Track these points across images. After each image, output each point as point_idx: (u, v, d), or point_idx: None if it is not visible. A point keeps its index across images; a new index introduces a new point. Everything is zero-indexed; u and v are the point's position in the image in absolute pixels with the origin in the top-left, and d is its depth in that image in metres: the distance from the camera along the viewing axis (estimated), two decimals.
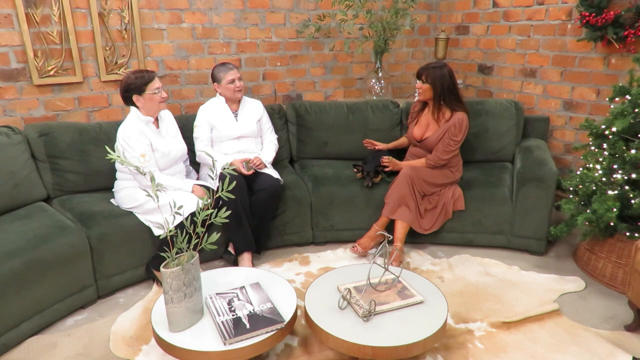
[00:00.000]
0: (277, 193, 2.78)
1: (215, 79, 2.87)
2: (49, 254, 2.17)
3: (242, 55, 3.54)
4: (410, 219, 2.77)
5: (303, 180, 3.10)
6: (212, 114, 2.88)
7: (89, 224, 2.41)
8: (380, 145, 3.08)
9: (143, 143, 2.49)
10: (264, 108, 3.09)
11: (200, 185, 2.65)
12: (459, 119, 2.74)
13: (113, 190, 2.67)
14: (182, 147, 2.73)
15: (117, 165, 2.62)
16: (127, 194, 2.57)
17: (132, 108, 2.54)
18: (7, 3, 2.69)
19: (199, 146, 2.86)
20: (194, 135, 2.88)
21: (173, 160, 2.66)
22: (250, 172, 2.74)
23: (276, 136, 3.14)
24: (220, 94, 2.89)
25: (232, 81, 2.83)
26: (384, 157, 2.87)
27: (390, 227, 2.83)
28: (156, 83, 2.50)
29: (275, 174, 2.90)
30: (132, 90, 2.47)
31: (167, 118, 2.70)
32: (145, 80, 2.47)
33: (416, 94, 2.87)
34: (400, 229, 2.76)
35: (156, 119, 2.61)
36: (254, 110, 3.00)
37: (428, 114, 2.89)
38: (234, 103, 2.94)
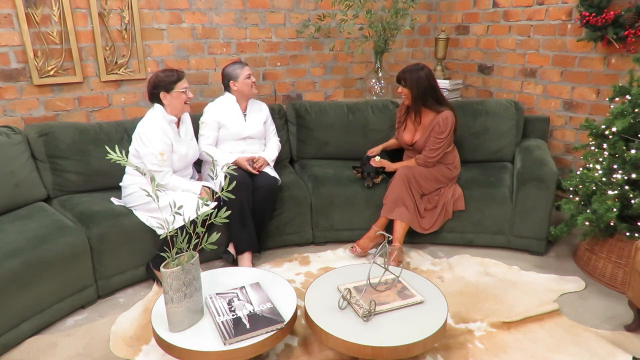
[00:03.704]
0: (273, 191, 2.78)
1: (231, 76, 2.86)
2: (49, 254, 2.17)
3: (242, 55, 3.53)
4: (409, 218, 2.77)
5: (303, 180, 3.10)
6: (221, 113, 2.87)
7: (89, 224, 2.41)
8: (374, 151, 3.11)
9: (164, 142, 2.50)
10: (269, 110, 3.10)
11: (209, 188, 2.66)
12: (443, 117, 2.74)
13: (120, 184, 2.65)
14: (197, 150, 2.77)
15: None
16: (135, 190, 2.55)
17: (157, 105, 2.54)
18: (7, 3, 2.68)
19: (202, 144, 2.85)
20: (200, 132, 2.86)
21: (188, 163, 2.70)
22: (256, 170, 2.76)
23: (279, 139, 3.15)
24: (236, 91, 2.88)
25: (249, 76, 2.85)
26: (372, 160, 2.88)
27: (389, 227, 2.83)
28: (184, 83, 2.54)
29: (272, 172, 2.90)
30: (160, 87, 2.49)
31: (187, 121, 2.71)
32: (174, 78, 2.50)
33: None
34: (399, 229, 2.76)
35: (178, 121, 2.62)
36: (260, 111, 3.02)
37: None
38: (244, 102, 2.94)
